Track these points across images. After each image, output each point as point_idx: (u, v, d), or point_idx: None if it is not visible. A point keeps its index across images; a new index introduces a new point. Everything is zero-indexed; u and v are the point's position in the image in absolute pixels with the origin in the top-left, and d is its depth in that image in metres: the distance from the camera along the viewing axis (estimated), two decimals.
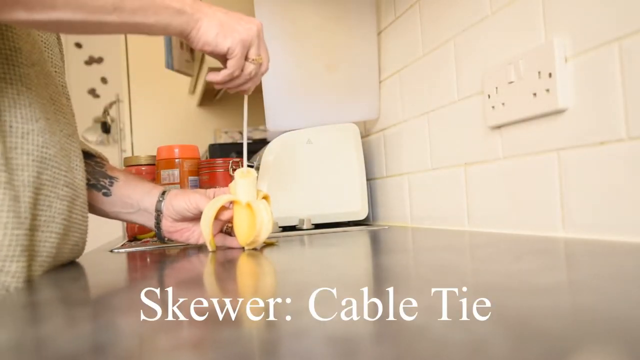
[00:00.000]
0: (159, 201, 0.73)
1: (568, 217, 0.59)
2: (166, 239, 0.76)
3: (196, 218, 0.72)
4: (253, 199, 0.68)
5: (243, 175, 0.68)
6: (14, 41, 0.56)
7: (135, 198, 0.74)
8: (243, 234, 0.68)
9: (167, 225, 0.73)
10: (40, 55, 0.61)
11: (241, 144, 0.76)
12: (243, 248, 0.69)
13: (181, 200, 0.71)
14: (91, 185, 0.72)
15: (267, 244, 0.72)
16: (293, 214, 1.01)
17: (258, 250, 0.67)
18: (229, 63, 0.63)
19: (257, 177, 0.71)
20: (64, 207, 0.59)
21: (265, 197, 0.70)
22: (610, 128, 0.53)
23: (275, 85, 1.00)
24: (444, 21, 0.83)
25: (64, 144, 0.61)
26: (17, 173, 0.53)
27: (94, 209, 0.74)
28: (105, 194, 0.73)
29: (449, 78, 0.83)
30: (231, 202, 0.69)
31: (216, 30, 0.60)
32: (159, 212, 0.73)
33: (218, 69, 0.66)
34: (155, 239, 1.00)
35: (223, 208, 0.69)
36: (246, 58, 0.65)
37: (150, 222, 0.74)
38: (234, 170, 0.96)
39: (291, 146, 1.02)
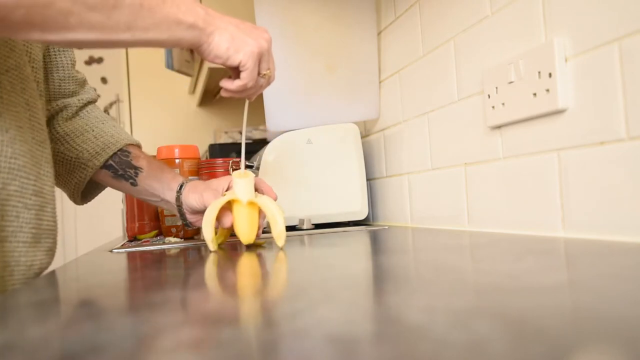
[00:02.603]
0: (177, 196, 0.76)
1: (568, 217, 0.59)
2: (193, 226, 0.80)
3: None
4: (253, 197, 0.68)
5: (241, 176, 0.69)
6: None
7: (158, 190, 0.78)
8: (245, 232, 0.69)
9: (188, 215, 0.77)
10: (19, 59, 0.59)
11: (241, 144, 0.76)
12: (246, 245, 0.69)
13: (192, 199, 0.75)
14: (119, 176, 0.78)
15: (257, 245, 0.72)
16: (293, 214, 1.01)
17: (257, 250, 0.67)
18: (243, 75, 0.63)
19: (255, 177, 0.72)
20: (32, 216, 0.59)
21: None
22: (610, 128, 0.53)
23: (275, 86, 0.99)
24: (444, 21, 0.83)
25: (34, 152, 0.60)
26: None
27: (129, 194, 0.81)
28: (132, 184, 0.78)
29: (449, 78, 0.83)
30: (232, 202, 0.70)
31: (227, 44, 0.60)
32: (179, 205, 0.77)
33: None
34: (155, 238, 1.00)
35: (224, 209, 0.70)
36: (257, 72, 0.64)
37: (175, 212, 0.79)
38: (234, 170, 0.96)
39: (291, 146, 1.02)
